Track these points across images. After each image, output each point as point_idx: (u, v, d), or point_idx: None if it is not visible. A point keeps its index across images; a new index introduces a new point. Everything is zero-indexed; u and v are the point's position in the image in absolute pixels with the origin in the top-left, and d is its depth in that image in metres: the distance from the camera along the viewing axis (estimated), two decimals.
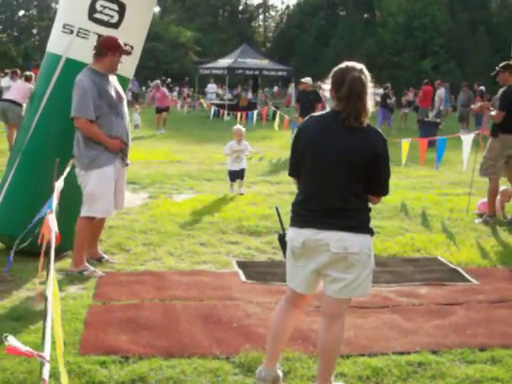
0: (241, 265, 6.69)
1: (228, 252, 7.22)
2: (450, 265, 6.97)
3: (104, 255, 6.71)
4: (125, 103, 6.38)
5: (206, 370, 4.18)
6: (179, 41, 61.62)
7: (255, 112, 24.38)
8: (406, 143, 11.04)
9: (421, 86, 28.97)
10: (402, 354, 4.60)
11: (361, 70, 3.78)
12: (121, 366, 4.16)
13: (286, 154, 17.00)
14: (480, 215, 9.44)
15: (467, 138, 10.38)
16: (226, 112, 26.89)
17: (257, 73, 34.35)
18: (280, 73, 35.40)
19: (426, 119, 22.78)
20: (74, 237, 6.09)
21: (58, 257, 6.33)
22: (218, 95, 38.73)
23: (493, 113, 9.33)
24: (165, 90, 25.31)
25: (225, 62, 34.62)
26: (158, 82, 25.78)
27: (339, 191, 3.75)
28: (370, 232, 3.86)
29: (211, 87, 39.29)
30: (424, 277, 6.54)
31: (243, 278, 6.24)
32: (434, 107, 27.76)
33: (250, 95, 34.97)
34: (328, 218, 3.75)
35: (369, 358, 4.50)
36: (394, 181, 12.86)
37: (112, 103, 6.10)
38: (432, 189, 12.19)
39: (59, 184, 4.65)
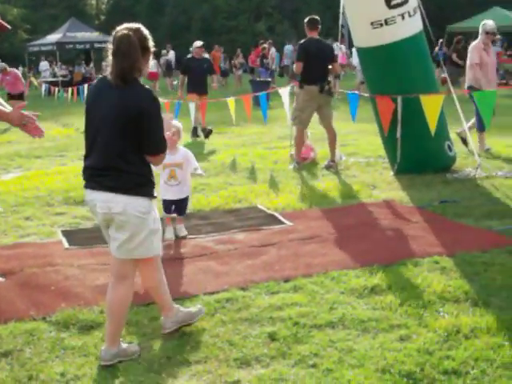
0: (65, 233, 6.80)
1: (53, 223, 7.29)
2: (268, 211, 7.42)
3: None
4: None
5: (22, 332, 4.33)
6: (6, 19, 58.93)
7: (86, 85, 24.02)
8: (231, 101, 11.43)
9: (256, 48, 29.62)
10: (212, 293, 4.95)
11: (132, 29, 3.82)
12: None
13: None
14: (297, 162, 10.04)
15: (284, 91, 10.92)
16: (57, 89, 26.25)
17: (88, 46, 33.73)
18: None
19: (258, 79, 23.38)
20: None
21: None
22: (51, 73, 37.67)
23: (294, 65, 10.01)
24: (16, 71, 19.52)
25: (53, 37, 33.76)
26: (3, 64, 20.15)
27: (108, 151, 3.80)
28: (144, 194, 3.88)
29: (44, 65, 38.10)
30: (243, 224, 6.94)
31: (66, 244, 6.37)
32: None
33: (83, 70, 34.26)
34: (98, 177, 3.84)
35: (181, 301, 4.80)
36: (224, 140, 13.39)
37: None
38: (260, 144, 12.70)
39: None
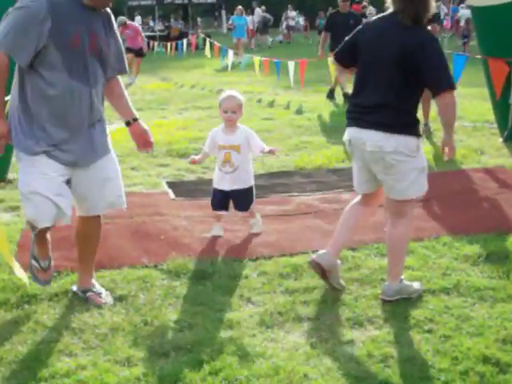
0: (170, 184, 6.88)
1: (158, 174, 7.39)
2: None
3: (98, 288, 4.22)
4: (98, 62, 3.80)
5: (135, 278, 4.40)
6: None
7: (185, 41, 24.18)
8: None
9: None
10: None
11: None
12: (54, 279, 4.33)
13: (220, 81, 17.11)
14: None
15: None
16: (156, 44, 26.55)
17: (186, 1, 33.87)
18: (210, 0, 34.99)
19: None
20: None
21: None
22: (149, 27, 38.13)
23: None
24: (136, 26, 18.46)
25: None
26: (124, 17, 18.08)
27: (383, 89, 3.84)
28: (414, 133, 3.90)
29: (138, 20, 38.63)
30: (347, 184, 6.82)
31: (172, 195, 6.44)
32: None
33: (179, 25, 34.52)
34: (368, 115, 3.88)
35: (290, 258, 4.78)
36: (323, 99, 13.16)
37: (74, 55, 3.66)
38: None
39: None
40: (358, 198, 4.36)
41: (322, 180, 7.05)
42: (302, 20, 39.56)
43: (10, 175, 6.93)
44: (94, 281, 4.22)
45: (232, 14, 28.09)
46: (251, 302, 4.14)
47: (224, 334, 3.71)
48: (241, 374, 3.25)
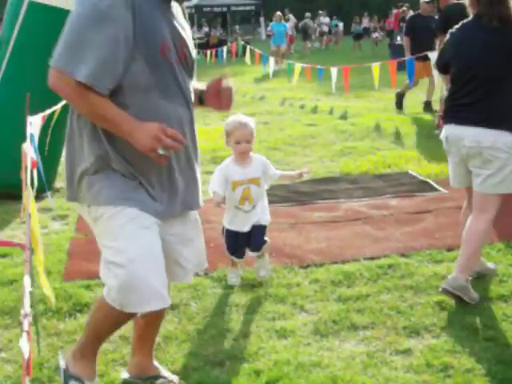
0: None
1: (204, 181, 7.34)
2: (420, 177, 7.18)
3: (164, 374, 3.32)
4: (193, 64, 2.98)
5: (186, 286, 4.37)
6: None
7: (225, 48, 24.26)
8: (376, 67, 11.16)
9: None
10: (372, 259, 4.83)
11: None
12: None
13: (261, 88, 17.11)
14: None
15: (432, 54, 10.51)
16: (195, 51, 26.68)
17: (225, 9, 34.03)
18: (248, 7, 35.10)
19: (397, 42, 22.77)
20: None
21: (39, 198, 6.45)
22: None
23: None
24: None
25: (192, 1, 34.26)
26: None
27: (486, 86, 4.01)
28: (510, 129, 4.01)
29: None
30: (395, 190, 6.75)
31: None
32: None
33: (218, 33, 34.70)
34: (465, 112, 4.06)
35: (341, 265, 4.72)
36: (366, 104, 13.09)
37: (167, 61, 2.77)
38: (404, 109, 12.34)
39: (34, 119, 4.60)
40: (464, 205, 4.47)
41: (369, 186, 6.97)
42: (341, 26, 39.39)
43: (57, 184, 6.98)
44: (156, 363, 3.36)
45: (270, 20, 28.11)
46: (304, 310, 4.09)
47: (279, 342, 3.67)
48: None
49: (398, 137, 9.60)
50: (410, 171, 7.47)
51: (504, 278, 4.41)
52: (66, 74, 2.57)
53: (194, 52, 2.94)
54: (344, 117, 11.61)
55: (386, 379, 3.26)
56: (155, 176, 2.82)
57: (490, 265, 4.49)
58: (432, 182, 6.94)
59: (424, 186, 6.84)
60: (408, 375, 3.30)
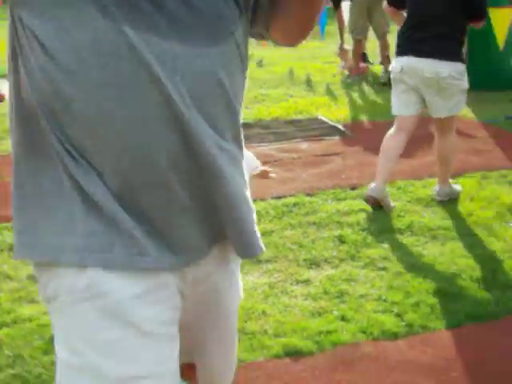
0: None
1: None
2: (330, 122, 7.36)
3: None
4: None
5: None
6: None
7: None
8: None
9: None
10: (279, 198, 4.98)
11: None
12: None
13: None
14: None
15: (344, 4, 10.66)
16: None
17: None
18: None
19: None
20: None
21: None
22: None
23: None
24: None
25: None
26: None
27: (439, 21, 4.45)
28: (462, 60, 4.56)
29: None
30: (305, 134, 6.91)
31: None
32: None
33: None
34: (422, 45, 4.48)
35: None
36: (282, 52, 13.17)
37: None
38: (317, 58, 12.49)
39: None
40: (391, 130, 4.85)
41: (280, 131, 7.11)
42: None
43: None
44: None
45: None
46: None
47: None
48: None
49: (310, 84, 9.75)
50: (320, 116, 7.65)
51: (401, 214, 4.64)
52: None
53: None
54: (260, 65, 11.67)
55: (285, 306, 3.43)
56: None
57: (458, 187, 4.98)
58: (340, 127, 7.13)
59: (333, 131, 7.03)
60: (306, 302, 3.49)
